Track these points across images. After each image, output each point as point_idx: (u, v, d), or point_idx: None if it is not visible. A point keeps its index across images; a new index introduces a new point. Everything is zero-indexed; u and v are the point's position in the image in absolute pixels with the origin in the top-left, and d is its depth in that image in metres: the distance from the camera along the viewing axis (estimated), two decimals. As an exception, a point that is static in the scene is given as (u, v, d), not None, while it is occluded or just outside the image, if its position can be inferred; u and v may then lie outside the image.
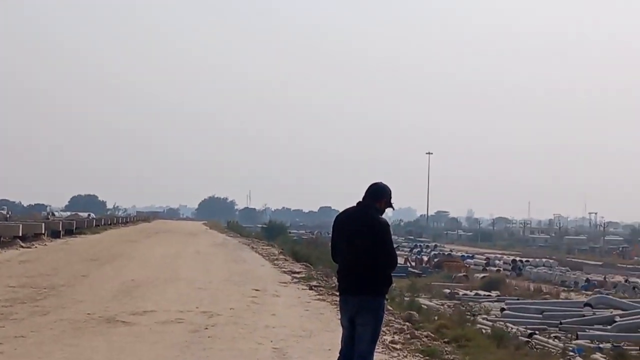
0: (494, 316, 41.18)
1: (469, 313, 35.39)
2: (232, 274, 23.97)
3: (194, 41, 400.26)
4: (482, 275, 69.20)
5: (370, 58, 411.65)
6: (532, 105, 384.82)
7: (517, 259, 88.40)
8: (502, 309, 43.98)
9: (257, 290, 19.14)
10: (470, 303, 47.18)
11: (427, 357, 11.43)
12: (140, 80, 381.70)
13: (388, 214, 9.57)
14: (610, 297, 50.48)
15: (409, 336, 13.09)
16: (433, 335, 13.61)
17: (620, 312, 42.49)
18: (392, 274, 7.94)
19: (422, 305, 26.66)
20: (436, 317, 18.47)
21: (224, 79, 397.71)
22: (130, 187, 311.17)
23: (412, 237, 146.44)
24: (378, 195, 7.84)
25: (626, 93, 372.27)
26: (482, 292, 56.23)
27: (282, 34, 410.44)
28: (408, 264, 79.77)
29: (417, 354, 11.61)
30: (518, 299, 50.97)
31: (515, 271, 79.06)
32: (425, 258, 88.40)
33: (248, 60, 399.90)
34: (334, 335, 10.89)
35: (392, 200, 7.96)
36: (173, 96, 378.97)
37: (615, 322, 39.39)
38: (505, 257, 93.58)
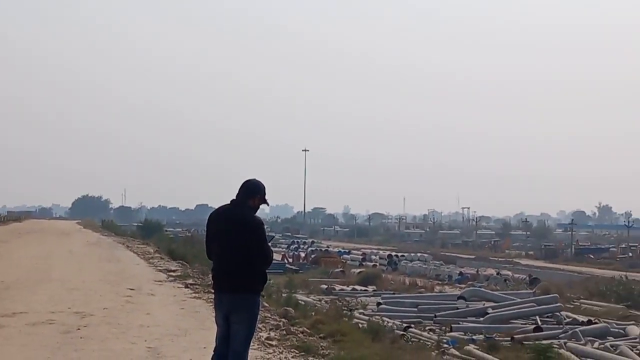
0: (371, 310, 41.58)
1: (345, 308, 35.72)
2: (106, 273, 23.54)
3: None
4: (358, 270, 69.76)
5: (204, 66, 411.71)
6: (404, 98, 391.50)
7: (393, 253, 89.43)
8: (379, 304, 44.42)
9: (131, 289, 18.85)
10: (347, 298, 47.59)
11: (302, 353, 11.45)
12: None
13: (265, 211, 9.57)
14: (483, 289, 51.47)
15: (284, 332, 13.09)
16: (309, 331, 13.64)
17: (492, 304, 43.38)
18: (269, 271, 7.93)
19: (300, 301, 26.77)
20: (313, 313, 18.53)
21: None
22: (0, 187, 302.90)
23: (289, 234, 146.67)
24: (252, 192, 7.80)
25: (495, 83, 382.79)
26: (358, 287, 56.69)
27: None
28: (285, 260, 79.79)
29: (292, 350, 11.62)
30: (394, 293, 51.54)
31: (391, 266, 79.98)
32: (303, 254, 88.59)
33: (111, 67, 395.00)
34: (209, 333, 10.79)
35: (267, 197, 7.93)
36: (45, 97, 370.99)
37: (488, 314, 40.24)
38: (381, 252, 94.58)
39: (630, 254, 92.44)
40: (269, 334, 12.86)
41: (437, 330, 36.75)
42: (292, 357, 11.22)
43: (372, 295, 51.21)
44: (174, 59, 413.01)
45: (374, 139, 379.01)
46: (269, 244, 7.85)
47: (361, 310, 40.51)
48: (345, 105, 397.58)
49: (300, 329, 13.66)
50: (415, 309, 42.24)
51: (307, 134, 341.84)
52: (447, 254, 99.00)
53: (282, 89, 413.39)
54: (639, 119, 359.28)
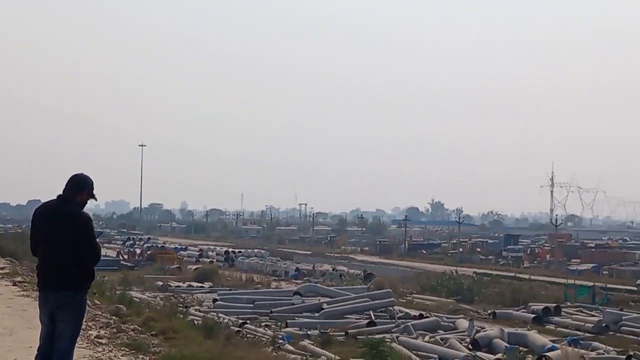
0: (207, 307, 41.42)
1: (181, 305, 35.42)
2: None
3: None
4: (195, 266, 69.34)
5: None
6: (246, 91, 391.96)
7: (230, 250, 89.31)
8: (215, 300, 44.28)
9: (-46, 288, 18.15)
10: (183, 295, 47.28)
11: (133, 351, 11.28)
12: None
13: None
14: (319, 285, 52.12)
15: (115, 330, 12.87)
16: (140, 329, 13.46)
17: (327, 299, 43.91)
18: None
19: (134, 298, 26.38)
20: (147, 310, 18.26)
21: None
22: None
23: (125, 230, 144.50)
24: (79, 187, 7.62)
25: (339, 80, 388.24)
26: (195, 284, 56.33)
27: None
28: (120, 256, 78.63)
29: (123, 348, 11.43)
30: (230, 290, 51.52)
31: (228, 262, 79.85)
32: (138, 250, 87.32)
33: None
34: (36, 332, 10.41)
35: (95, 192, 7.76)
36: None
37: (323, 309, 40.71)
38: (218, 248, 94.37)
39: (461, 249, 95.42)
40: (98, 332, 12.62)
41: (272, 326, 36.91)
42: (122, 356, 11.03)
43: (208, 292, 50.95)
44: (15, 42, 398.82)
45: (213, 134, 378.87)
46: (97, 239, 7.70)
47: (197, 307, 40.28)
48: (184, 97, 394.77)
49: (132, 327, 13.47)
50: (252, 305, 42.33)
51: (145, 126, 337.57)
52: (284, 250, 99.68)
53: (119, 77, 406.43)
54: (469, 127, 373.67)
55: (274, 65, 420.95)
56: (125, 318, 14.68)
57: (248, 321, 36.47)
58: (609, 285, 55.56)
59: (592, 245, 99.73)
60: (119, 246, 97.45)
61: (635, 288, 56.97)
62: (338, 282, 59.03)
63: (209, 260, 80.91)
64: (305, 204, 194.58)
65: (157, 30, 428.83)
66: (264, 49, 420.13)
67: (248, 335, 30.09)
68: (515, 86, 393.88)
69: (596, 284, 54.39)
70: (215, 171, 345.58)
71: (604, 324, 38.64)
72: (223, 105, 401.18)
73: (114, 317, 14.46)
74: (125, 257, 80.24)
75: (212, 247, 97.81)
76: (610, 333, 37.62)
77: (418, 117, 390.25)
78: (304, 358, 26.81)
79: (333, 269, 68.21)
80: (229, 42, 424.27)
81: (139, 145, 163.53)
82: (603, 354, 30.72)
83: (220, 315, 34.49)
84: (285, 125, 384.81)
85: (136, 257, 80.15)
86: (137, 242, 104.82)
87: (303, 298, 44.98)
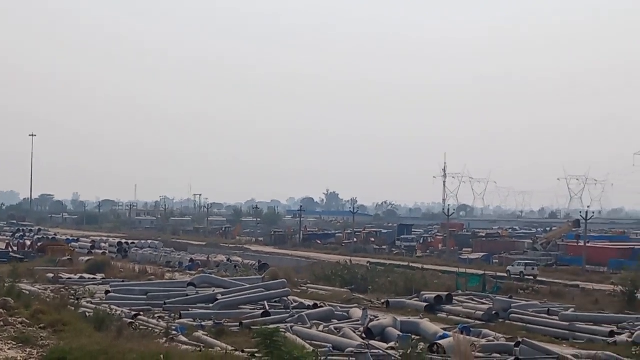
0: (99, 299, 40.87)
1: (73, 297, 34.88)
2: None
3: None
4: (87, 258, 68.34)
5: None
6: (146, 78, 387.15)
7: (123, 241, 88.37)
8: (107, 292, 43.73)
9: None
10: (75, 287, 46.58)
11: (20, 344, 11.04)
12: None
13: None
14: (213, 276, 51.92)
15: (2, 323, 12.58)
16: (28, 322, 13.18)
17: (222, 290, 43.81)
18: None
19: (24, 291, 25.93)
20: (37, 303, 17.92)
21: None
22: None
23: (14, 222, 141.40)
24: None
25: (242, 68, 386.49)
26: (87, 275, 55.66)
27: None
28: (10, 248, 76.98)
29: (9, 342, 11.18)
30: (123, 281, 50.97)
31: (121, 253, 79.07)
32: (29, 242, 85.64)
33: None
34: None
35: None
36: None
37: (217, 300, 40.60)
38: (111, 239, 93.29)
39: (355, 239, 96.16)
40: (-16, 325, 12.29)
41: (166, 317, 36.62)
42: (9, 349, 10.78)
43: (100, 284, 50.37)
44: None
45: (106, 120, 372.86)
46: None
47: (89, 299, 39.72)
48: (76, 80, 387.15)
49: (20, 320, 13.19)
50: (145, 297, 41.96)
51: (36, 111, 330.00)
52: (178, 240, 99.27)
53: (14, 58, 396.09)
54: (363, 118, 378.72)
55: (174, 51, 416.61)
56: (13, 311, 14.37)
57: (141, 313, 36.15)
58: (498, 274, 56.92)
59: (483, 234, 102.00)
60: (9, 238, 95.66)
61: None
62: (232, 273, 58.94)
63: (101, 251, 79.93)
64: (200, 195, 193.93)
65: (47, 8, 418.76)
66: (169, 36, 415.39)
67: (141, 327, 29.83)
68: (409, 81, 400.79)
69: (486, 272, 55.64)
70: (108, 161, 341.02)
71: (494, 312, 39.48)
72: (117, 90, 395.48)
73: (1, 310, 14.14)
74: (15, 249, 78.66)
75: (104, 238, 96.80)
76: (500, 320, 38.45)
77: (313, 108, 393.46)
78: (198, 349, 26.63)
79: (228, 260, 68.10)
80: (125, 25, 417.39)
81: (30, 135, 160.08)
82: (493, 340, 31.44)
83: (112, 307, 34.08)
84: (181, 113, 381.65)
85: (26, 249, 78.65)
86: (28, 234, 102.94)
87: (197, 289, 44.81)
